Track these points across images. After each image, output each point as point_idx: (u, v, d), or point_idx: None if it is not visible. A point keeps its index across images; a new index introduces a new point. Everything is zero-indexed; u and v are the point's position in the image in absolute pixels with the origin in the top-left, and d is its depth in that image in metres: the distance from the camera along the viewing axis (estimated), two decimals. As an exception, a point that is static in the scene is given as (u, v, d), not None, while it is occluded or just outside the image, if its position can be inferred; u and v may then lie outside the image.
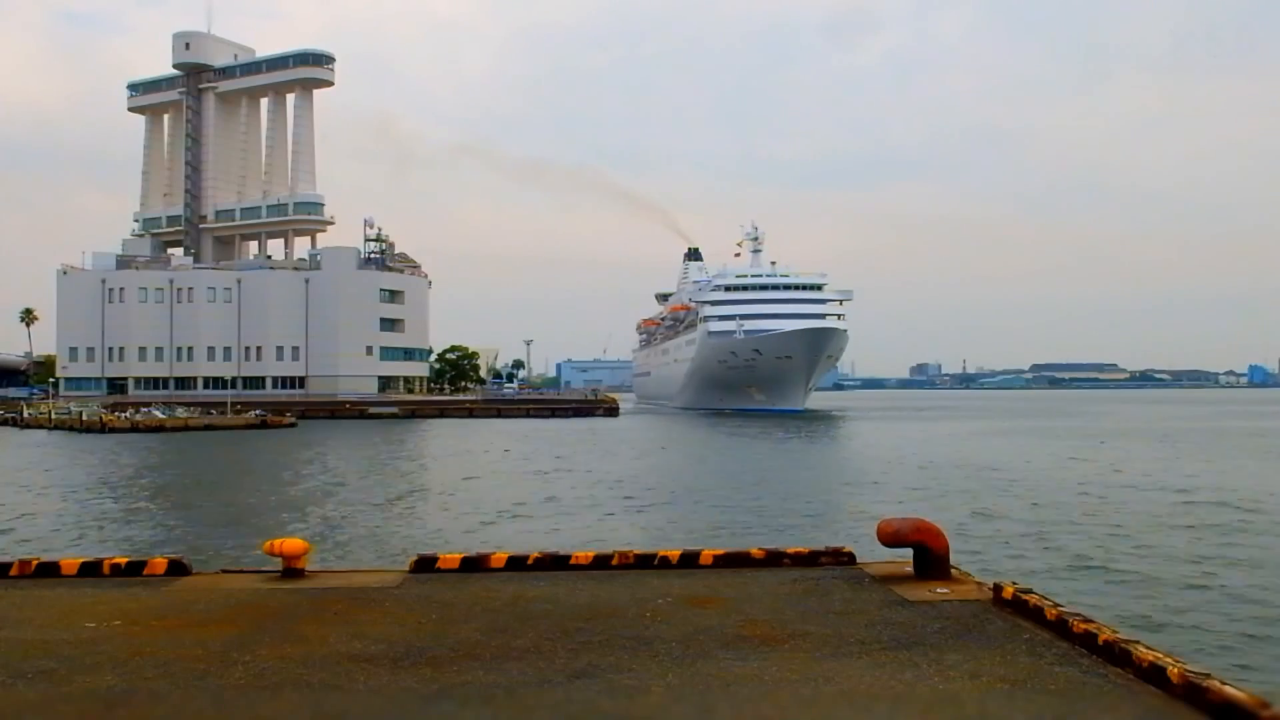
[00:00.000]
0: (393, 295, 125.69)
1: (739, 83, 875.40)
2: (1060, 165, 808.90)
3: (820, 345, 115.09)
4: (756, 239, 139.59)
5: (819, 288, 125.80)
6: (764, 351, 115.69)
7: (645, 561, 8.89)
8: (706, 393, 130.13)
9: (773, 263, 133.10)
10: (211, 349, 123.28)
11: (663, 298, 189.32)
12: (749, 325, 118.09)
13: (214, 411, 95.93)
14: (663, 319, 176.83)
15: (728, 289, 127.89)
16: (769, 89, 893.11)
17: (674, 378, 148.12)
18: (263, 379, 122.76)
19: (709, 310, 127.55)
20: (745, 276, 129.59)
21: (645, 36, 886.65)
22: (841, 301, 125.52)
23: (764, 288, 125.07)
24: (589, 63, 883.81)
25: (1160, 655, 5.33)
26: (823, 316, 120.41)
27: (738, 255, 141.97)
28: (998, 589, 7.35)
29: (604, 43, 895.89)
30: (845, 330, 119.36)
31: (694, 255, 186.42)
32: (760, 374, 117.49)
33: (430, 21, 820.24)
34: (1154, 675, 5.19)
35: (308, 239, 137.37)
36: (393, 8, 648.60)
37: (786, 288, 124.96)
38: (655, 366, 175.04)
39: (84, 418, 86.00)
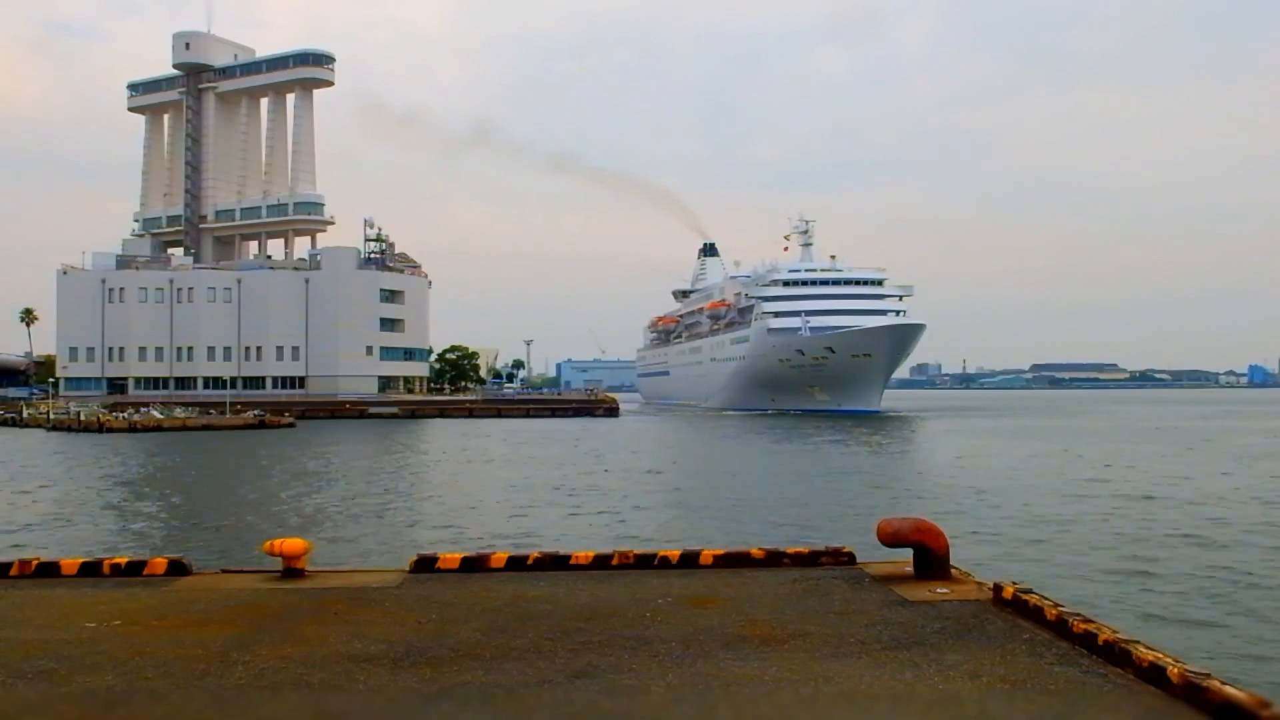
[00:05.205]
0: (393, 295, 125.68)
1: (713, 87, 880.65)
2: (1047, 168, 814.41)
3: (904, 343, 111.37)
4: (806, 232, 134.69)
5: (880, 283, 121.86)
6: (838, 349, 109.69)
7: (645, 561, 8.89)
8: (753, 392, 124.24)
9: (832, 256, 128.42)
10: (211, 349, 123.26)
11: (682, 294, 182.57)
12: (814, 322, 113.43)
13: (213, 412, 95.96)
14: (682, 316, 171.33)
15: (786, 284, 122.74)
16: (743, 93, 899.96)
17: (709, 376, 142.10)
18: (263, 379, 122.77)
19: (767, 306, 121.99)
20: (800, 271, 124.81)
21: (618, 45, 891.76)
22: (901, 297, 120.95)
23: (825, 283, 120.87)
24: (564, 70, 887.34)
25: (1160, 655, 5.33)
26: (884, 313, 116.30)
27: (785, 250, 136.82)
28: (998, 589, 7.35)
29: (578, 51, 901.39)
30: (924, 325, 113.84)
31: (710, 250, 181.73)
32: (829, 373, 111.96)
33: (406, 31, 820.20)
34: (1154, 675, 5.19)
35: (308, 239, 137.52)
36: (369, 16, 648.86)
37: (848, 283, 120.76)
38: (678, 365, 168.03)
39: (82, 418, 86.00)
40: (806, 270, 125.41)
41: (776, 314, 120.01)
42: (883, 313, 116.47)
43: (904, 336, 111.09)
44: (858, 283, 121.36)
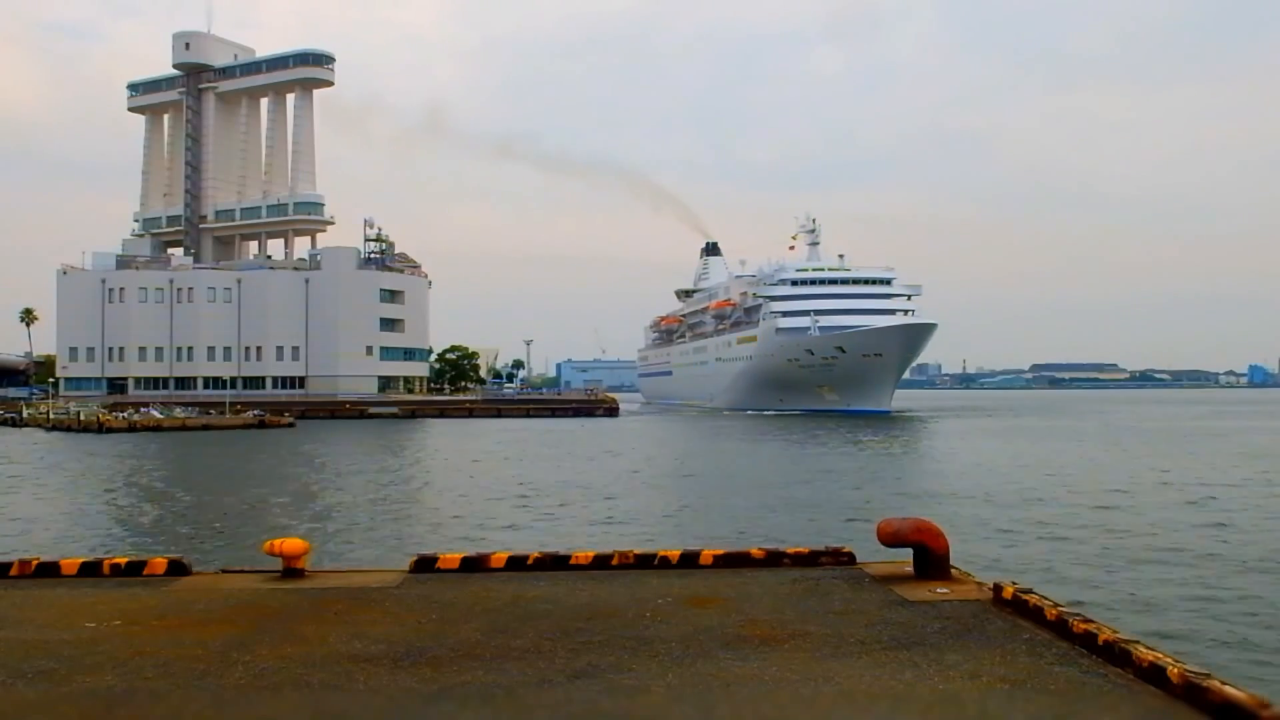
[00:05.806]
0: (393, 295, 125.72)
1: (712, 87, 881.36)
2: (1047, 168, 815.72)
3: (915, 343, 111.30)
4: (813, 231, 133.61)
5: (888, 282, 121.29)
6: (848, 349, 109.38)
7: (645, 561, 8.88)
8: (760, 392, 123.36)
9: (840, 256, 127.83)
10: (211, 349, 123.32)
11: (685, 294, 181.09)
12: (823, 322, 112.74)
13: (213, 412, 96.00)
14: (685, 316, 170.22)
15: (794, 283, 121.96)
16: (742, 94, 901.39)
17: (714, 376, 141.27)
18: (263, 379, 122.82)
19: (775, 305, 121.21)
20: (808, 270, 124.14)
21: (617, 45, 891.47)
22: (909, 297, 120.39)
23: (834, 282, 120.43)
24: (560, 71, 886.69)
25: (1160, 655, 5.33)
26: (893, 312, 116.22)
27: (792, 249, 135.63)
28: (998, 589, 7.35)
29: (576, 52, 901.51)
30: (935, 325, 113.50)
31: (713, 250, 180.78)
32: (839, 373, 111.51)
33: (402, 32, 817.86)
34: (1154, 675, 5.18)
35: (308, 239, 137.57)
36: (366, 17, 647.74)
37: (856, 282, 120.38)
38: (681, 365, 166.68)
39: (81, 418, 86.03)
40: (814, 269, 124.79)
41: (785, 313, 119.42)
42: (891, 312, 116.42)
43: (915, 336, 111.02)
44: (866, 282, 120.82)
